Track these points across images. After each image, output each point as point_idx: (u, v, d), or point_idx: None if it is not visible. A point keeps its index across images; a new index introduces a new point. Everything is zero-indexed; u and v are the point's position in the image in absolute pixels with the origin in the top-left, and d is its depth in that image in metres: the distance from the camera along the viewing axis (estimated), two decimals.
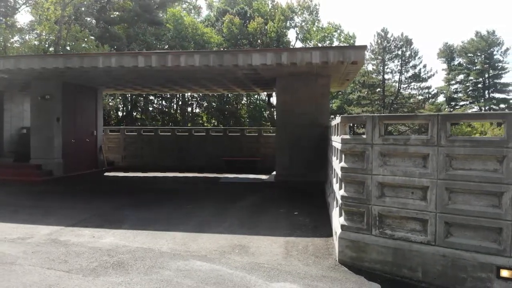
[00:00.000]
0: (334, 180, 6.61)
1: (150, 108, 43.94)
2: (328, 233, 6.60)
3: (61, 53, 28.98)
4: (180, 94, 39.74)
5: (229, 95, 38.61)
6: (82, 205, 9.11)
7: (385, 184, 4.88)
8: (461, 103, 57.69)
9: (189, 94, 38.38)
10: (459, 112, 54.13)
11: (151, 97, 41.35)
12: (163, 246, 5.94)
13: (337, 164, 5.88)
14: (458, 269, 4.44)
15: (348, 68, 10.18)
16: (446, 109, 55.88)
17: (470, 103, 56.67)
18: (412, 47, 48.89)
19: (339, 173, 5.36)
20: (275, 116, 46.28)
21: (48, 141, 12.72)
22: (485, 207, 4.34)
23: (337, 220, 5.66)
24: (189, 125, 38.57)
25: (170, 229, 6.96)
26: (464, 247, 4.43)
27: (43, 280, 4.61)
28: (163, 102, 44.11)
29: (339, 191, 5.47)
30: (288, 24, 46.41)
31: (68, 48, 29.95)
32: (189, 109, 46.49)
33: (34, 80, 12.57)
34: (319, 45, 45.88)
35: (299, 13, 46.57)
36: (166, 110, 44.51)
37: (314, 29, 47.93)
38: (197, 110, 46.15)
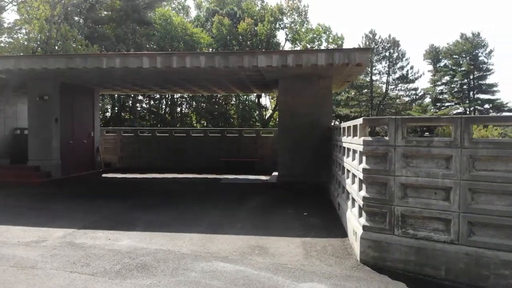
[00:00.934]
0: (348, 180, 6.70)
1: (139, 108, 43.57)
2: (342, 233, 6.69)
3: (52, 53, 28.58)
4: (169, 94, 39.48)
5: (218, 95, 38.53)
6: (88, 208, 9.01)
7: (407, 185, 4.98)
8: (447, 104, 58.71)
9: (178, 94, 38.12)
10: (446, 112, 55.23)
11: (140, 97, 41.01)
12: (182, 248, 5.95)
13: (355, 165, 5.96)
14: (481, 266, 4.57)
15: (352, 70, 10.31)
16: (432, 110, 56.83)
17: (456, 104, 57.71)
18: (399, 48, 49.71)
19: (360, 174, 5.45)
20: (265, 117, 46.57)
21: (46, 142, 12.53)
22: (507, 207, 4.48)
23: (356, 221, 5.75)
24: (178, 125, 38.39)
25: (184, 230, 6.95)
26: (487, 246, 4.55)
27: (69, 284, 4.58)
28: (152, 102, 43.74)
29: (359, 192, 5.55)
30: (277, 25, 46.53)
31: (56, 47, 29.53)
32: (178, 109, 46.23)
33: (32, 80, 12.38)
34: (308, 46, 46.23)
35: (288, 14, 46.77)
36: (155, 110, 44.17)
37: (303, 30, 48.17)
38: (186, 111, 45.89)
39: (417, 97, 53.22)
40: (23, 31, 31.93)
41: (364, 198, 5.26)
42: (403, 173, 4.98)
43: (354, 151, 6.13)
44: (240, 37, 43.17)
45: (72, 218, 7.84)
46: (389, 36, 49.81)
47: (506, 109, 55.49)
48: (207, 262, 5.36)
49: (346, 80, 12.23)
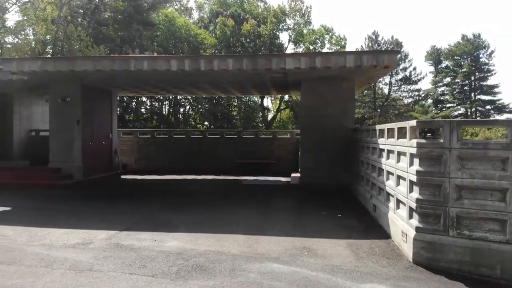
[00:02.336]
0: (389, 182, 6.76)
1: (143, 110, 43.59)
2: (383, 234, 6.75)
3: (59, 54, 28.56)
4: (172, 96, 39.49)
5: (221, 97, 38.54)
6: (120, 209, 9.07)
7: (463, 187, 5.05)
8: (448, 105, 58.97)
9: (179, 96, 38.02)
10: (447, 114, 55.47)
11: (143, 99, 40.97)
12: (230, 249, 5.99)
13: (402, 167, 6.02)
14: None
15: (378, 72, 10.39)
16: (433, 111, 57.04)
17: (457, 105, 57.95)
18: (402, 50, 49.81)
19: (411, 176, 5.51)
20: (268, 118, 46.59)
21: (68, 144, 12.54)
22: None
23: (404, 222, 5.81)
24: (181, 126, 38.43)
25: (224, 231, 7.00)
26: None
27: (134, 286, 4.62)
28: (156, 104, 43.73)
29: (409, 194, 5.62)
30: (280, 26, 46.63)
31: (64, 49, 29.51)
32: (181, 110, 46.25)
33: (54, 82, 12.39)
34: (311, 47, 46.44)
35: (291, 15, 46.87)
36: (158, 111, 44.17)
37: (305, 31, 48.29)
38: (191, 112, 45.89)
39: (420, 98, 53.39)
40: (29, 31, 31.96)
41: (417, 200, 5.32)
42: (458, 175, 5.05)
43: (400, 153, 6.19)
44: (243, 39, 43.22)
45: (108, 220, 7.88)
46: (392, 37, 49.91)
47: (507, 110, 55.86)
48: (261, 263, 5.40)
49: (367, 82, 12.33)
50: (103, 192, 11.68)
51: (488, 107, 56.93)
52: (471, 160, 5.01)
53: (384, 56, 9.43)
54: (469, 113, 56.53)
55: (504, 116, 56.29)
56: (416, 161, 5.42)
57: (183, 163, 16.29)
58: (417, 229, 5.35)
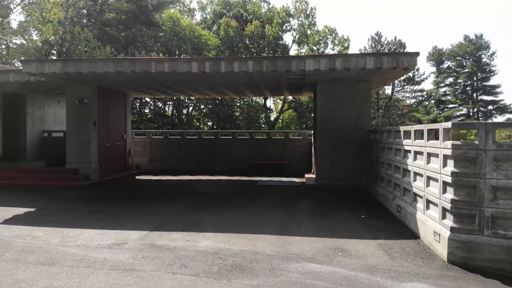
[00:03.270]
0: (417, 183, 6.86)
1: (147, 111, 43.63)
2: (411, 235, 6.85)
3: (66, 55, 28.66)
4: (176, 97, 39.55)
5: (224, 97, 38.62)
6: (145, 210, 9.18)
7: (498, 188, 5.16)
8: (450, 105, 59.14)
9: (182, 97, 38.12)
10: (449, 114, 55.68)
11: (147, 99, 41.02)
12: (264, 249, 6.09)
13: (433, 169, 6.12)
14: None
15: (396, 73, 10.49)
16: (435, 111, 57.18)
17: (459, 105, 58.12)
18: (405, 50, 49.89)
19: (445, 177, 5.61)
20: (270, 118, 46.60)
21: (85, 145, 12.63)
22: None
23: (436, 222, 5.91)
24: (184, 127, 38.49)
25: (254, 231, 7.10)
26: None
27: (180, 285, 4.70)
28: (160, 104, 43.76)
29: (442, 194, 5.71)
30: (284, 27, 46.73)
31: (71, 49, 29.59)
32: (184, 111, 46.29)
33: (71, 84, 12.48)
34: (314, 48, 46.55)
35: (296, 16, 46.98)
36: (162, 112, 44.21)
37: (309, 32, 48.38)
38: (195, 113, 45.93)
39: (423, 99, 53.53)
40: (33, 33, 32.04)
41: (452, 201, 5.42)
42: (494, 176, 5.15)
43: (430, 154, 6.29)
44: (247, 40, 43.30)
45: (135, 220, 7.98)
46: (395, 38, 50.07)
47: (509, 110, 56.04)
48: (297, 263, 5.50)
49: (383, 83, 12.43)
50: (123, 193, 11.78)
51: (490, 107, 57.12)
52: (507, 162, 5.12)
53: (404, 58, 9.53)
54: (471, 114, 56.73)
55: (505, 117, 56.54)
56: (450, 162, 5.52)
57: (196, 164, 16.39)
58: (452, 229, 5.44)
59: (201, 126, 44.49)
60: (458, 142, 5.40)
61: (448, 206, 5.51)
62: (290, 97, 42.07)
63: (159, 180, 14.34)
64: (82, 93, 12.50)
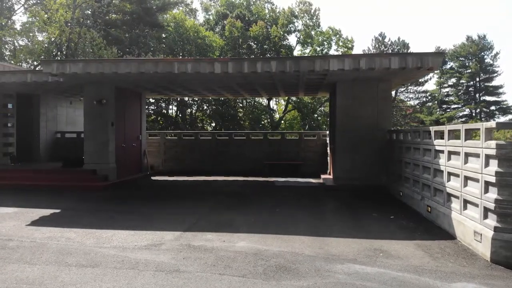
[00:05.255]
0: (452, 183, 6.85)
1: (151, 111, 43.56)
2: (446, 235, 6.85)
3: (72, 55, 28.65)
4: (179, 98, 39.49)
5: (228, 98, 38.59)
6: (172, 210, 9.20)
7: None
8: (453, 106, 59.20)
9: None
10: (452, 114, 55.75)
11: (151, 100, 40.97)
12: (303, 250, 6.07)
13: (472, 169, 6.11)
14: None
15: (418, 73, 10.48)
16: (438, 112, 57.22)
17: (462, 106, 58.17)
18: (409, 51, 49.87)
19: (487, 177, 5.60)
20: (275, 119, 46.60)
21: (103, 145, 12.60)
22: None
23: (477, 223, 5.89)
24: (187, 127, 38.45)
25: (288, 232, 7.08)
26: None
27: (230, 286, 4.68)
28: (163, 105, 43.71)
29: (484, 194, 5.70)
30: (288, 28, 46.74)
31: (77, 50, 29.59)
32: (188, 111, 46.22)
33: (89, 84, 12.46)
34: (318, 49, 46.61)
35: (300, 16, 47.00)
36: (165, 112, 44.16)
37: (313, 33, 48.40)
38: (198, 113, 45.87)
39: (426, 99, 53.56)
40: (37, 33, 32.02)
41: (496, 200, 5.40)
42: None
43: (468, 154, 6.28)
44: (251, 40, 43.29)
45: (166, 221, 7.97)
46: (399, 38, 50.01)
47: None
48: (341, 264, 5.48)
49: (402, 83, 12.42)
50: (145, 193, 11.77)
51: (492, 108, 57.17)
52: None
53: (429, 57, 9.51)
54: (473, 114, 56.79)
55: (508, 117, 56.57)
56: (493, 162, 5.51)
57: (210, 165, 16.38)
58: (496, 228, 5.43)
59: (205, 127, 44.44)
60: (502, 142, 5.39)
61: (491, 206, 5.50)
62: (294, 98, 42.07)
63: (176, 180, 14.31)
64: (100, 93, 12.48)
